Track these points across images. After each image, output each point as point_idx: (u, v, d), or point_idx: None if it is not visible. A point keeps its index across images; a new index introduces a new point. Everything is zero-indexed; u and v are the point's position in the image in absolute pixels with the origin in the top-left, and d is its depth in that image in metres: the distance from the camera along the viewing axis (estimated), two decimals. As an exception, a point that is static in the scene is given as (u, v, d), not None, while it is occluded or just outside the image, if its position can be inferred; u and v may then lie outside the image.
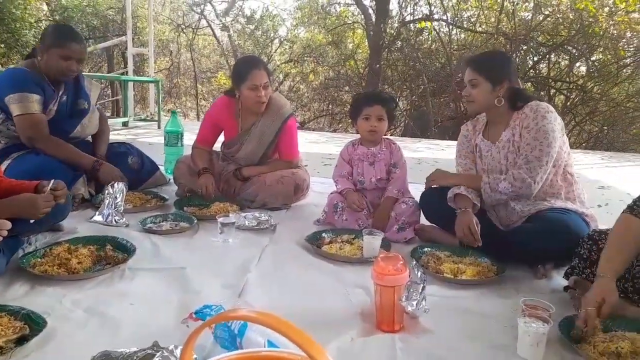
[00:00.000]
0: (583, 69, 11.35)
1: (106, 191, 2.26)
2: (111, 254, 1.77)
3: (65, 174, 2.33)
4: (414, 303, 1.42)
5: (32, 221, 1.72)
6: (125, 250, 1.83)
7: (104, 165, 2.47)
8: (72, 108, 2.57)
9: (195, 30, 16.00)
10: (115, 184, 2.28)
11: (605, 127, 11.55)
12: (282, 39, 16.15)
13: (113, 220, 2.21)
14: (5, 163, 2.31)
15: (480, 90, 2.04)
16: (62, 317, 1.38)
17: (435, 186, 2.26)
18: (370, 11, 12.27)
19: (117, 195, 2.25)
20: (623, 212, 1.52)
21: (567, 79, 11.07)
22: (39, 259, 1.68)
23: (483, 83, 2.03)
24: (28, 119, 2.32)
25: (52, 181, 1.77)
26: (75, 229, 2.09)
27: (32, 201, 1.67)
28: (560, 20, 10.23)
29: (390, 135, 2.55)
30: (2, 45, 9.59)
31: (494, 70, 2.04)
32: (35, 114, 2.33)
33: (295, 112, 14.96)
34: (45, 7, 11.56)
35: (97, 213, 2.25)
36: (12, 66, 2.51)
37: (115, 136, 5.06)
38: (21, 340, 1.22)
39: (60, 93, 2.48)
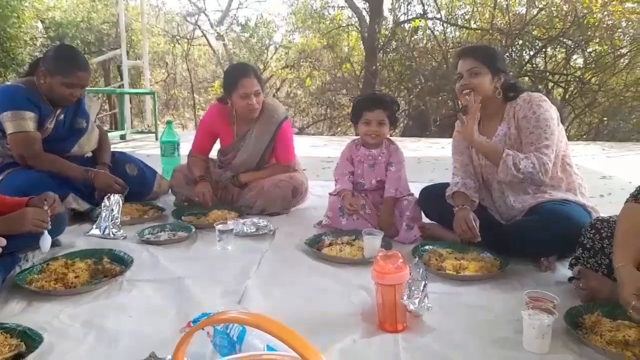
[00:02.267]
0: (580, 60, 11.31)
1: (102, 204, 2.24)
2: (108, 266, 1.75)
3: (55, 190, 2.31)
4: (416, 301, 1.40)
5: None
6: (122, 262, 1.81)
7: (98, 173, 2.45)
8: (70, 126, 2.54)
9: (190, 40, 16.04)
10: (112, 196, 2.26)
11: (605, 118, 11.51)
12: (277, 45, 16.17)
13: (110, 233, 2.19)
14: (-3, 178, 2.29)
15: (482, 78, 2.00)
16: (59, 332, 1.35)
17: (435, 182, 2.22)
18: (364, 13, 12.29)
19: (114, 208, 2.23)
20: (627, 200, 1.49)
21: (565, 72, 11.03)
22: (36, 275, 1.66)
23: (484, 72, 2.00)
24: (21, 137, 2.30)
25: (43, 195, 1.76)
26: (72, 244, 2.07)
27: (21, 214, 1.65)
28: (555, 13, 10.22)
29: (390, 136, 2.51)
30: (-2, 65, 9.63)
31: (494, 61, 2.03)
32: (29, 132, 2.31)
33: (294, 118, 14.97)
34: (39, 25, 11.60)
35: (94, 226, 2.23)
36: (8, 83, 2.47)
37: (112, 149, 5.04)
38: (18, 358, 1.20)
39: (59, 112, 2.45)
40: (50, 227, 1.73)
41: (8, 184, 2.22)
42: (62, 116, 2.48)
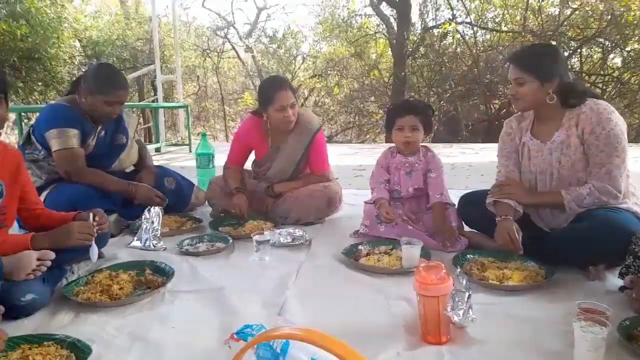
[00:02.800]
0: (618, 60, 10.94)
1: (143, 216, 2.30)
2: (150, 277, 1.79)
3: (102, 203, 2.38)
4: (460, 313, 1.37)
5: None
6: (164, 273, 1.85)
7: (139, 186, 2.51)
8: (110, 143, 2.61)
9: (220, 53, 16.38)
10: (152, 209, 2.31)
11: (647, 118, 11.07)
12: (305, 55, 16.32)
13: (151, 245, 2.23)
14: (44, 194, 2.37)
15: (528, 88, 1.91)
16: (107, 343, 1.39)
17: (474, 189, 2.16)
18: (392, 20, 12.27)
19: (154, 220, 2.28)
20: None
21: (602, 72, 10.69)
22: (82, 287, 1.71)
23: (530, 81, 1.90)
24: (66, 154, 2.37)
25: (91, 212, 1.82)
26: (115, 255, 2.12)
27: (67, 228, 1.71)
28: (590, 13, 9.92)
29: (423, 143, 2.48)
30: (40, 84, 10.06)
31: (542, 67, 1.90)
32: (74, 149, 2.38)
33: (322, 126, 15.01)
34: (77, 44, 12.08)
35: (135, 238, 2.29)
36: (52, 102, 2.58)
37: (149, 162, 5.18)
38: (68, 369, 1.24)
39: (99, 128, 2.52)
40: (95, 238, 1.79)
41: (53, 199, 2.30)
42: (103, 133, 2.55)
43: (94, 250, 1.80)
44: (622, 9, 9.19)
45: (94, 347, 1.32)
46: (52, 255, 1.60)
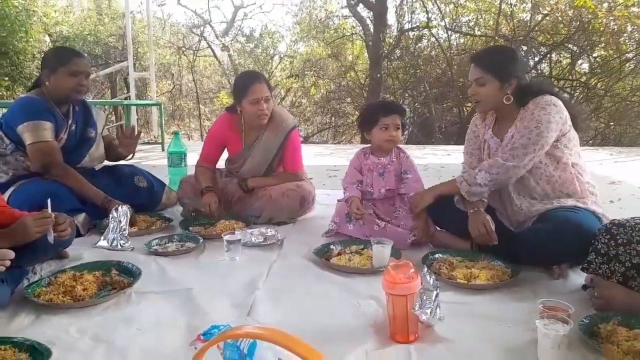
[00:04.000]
0: (585, 66, 11.29)
1: (110, 215, 2.24)
2: (117, 278, 1.74)
3: (70, 201, 2.32)
4: (428, 311, 1.37)
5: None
6: (131, 274, 1.80)
7: (113, 202, 2.41)
8: (81, 136, 2.57)
9: (195, 52, 16.19)
10: (120, 208, 2.26)
11: (612, 123, 11.44)
12: (282, 55, 16.29)
13: (118, 245, 2.18)
14: (9, 191, 2.29)
15: (488, 88, 1.98)
16: (68, 346, 1.34)
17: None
18: (368, 22, 12.35)
19: (122, 219, 2.23)
20: None
21: (570, 77, 11.01)
22: (44, 288, 1.65)
23: (491, 81, 1.97)
24: (42, 147, 2.31)
25: (49, 201, 1.75)
26: (80, 256, 2.06)
27: (23, 223, 1.63)
28: (560, 19, 10.20)
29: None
30: (6, 79, 9.74)
31: (502, 68, 1.97)
32: (50, 142, 2.33)
33: (299, 127, 15.00)
34: (47, 39, 11.75)
35: (102, 238, 2.23)
36: (22, 95, 2.51)
37: (120, 162, 5.07)
38: (26, 373, 1.19)
39: (70, 122, 2.48)
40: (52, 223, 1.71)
41: (18, 197, 2.22)
42: (73, 126, 2.51)
43: (51, 234, 1.72)
44: (589, 17, 9.48)
45: (54, 350, 1.28)
46: (12, 254, 1.54)
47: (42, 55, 2.57)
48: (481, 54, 2.11)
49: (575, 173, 1.98)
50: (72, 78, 2.35)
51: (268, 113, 2.62)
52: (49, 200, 1.74)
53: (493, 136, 2.11)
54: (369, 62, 12.48)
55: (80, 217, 2.37)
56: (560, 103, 1.94)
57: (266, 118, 2.64)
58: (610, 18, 9.29)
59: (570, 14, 9.89)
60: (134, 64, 8.56)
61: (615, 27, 9.49)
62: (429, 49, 12.08)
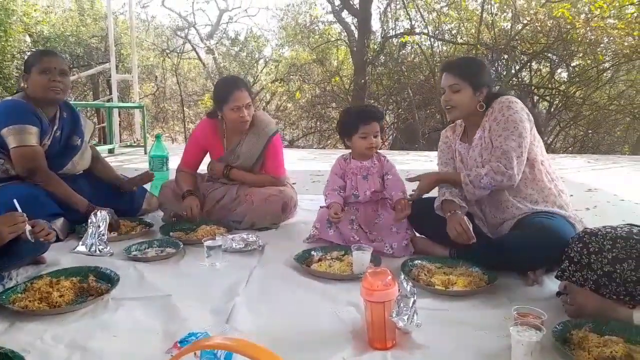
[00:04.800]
0: (564, 74, 11.54)
1: (89, 220, 2.22)
2: (94, 284, 1.72)
3: (50, 206, 2.29)
4: (405, 318, 1.39)
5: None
6: (109, 280, 1.79)
7: (96, 209, 2.38)
8: (65, 143, 2.53)
9: (180, 54, 16.08)
10: (99, 212, 2.24)
11: (590, 131, 11.71)
12: (267, 59, 16.28)
13: (97, 250, 2.16)
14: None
15: (463, 95, 2.04)
16: (43, 354, 1.32)
17: (425, 196, 2.24)
18: (353, 28, 12.43)
19: (100, 224, 2.20)
20: None
21: (550, 86, 11.24)
22: (20, 294, 1.63)
23: (465, 88, 2.03)
24: (27, 151, 2.28)
25: (15, 202, 1.72)
26: (57, 261, 2.04)
27: None
28: (539, 29, 10.41)
29: (379, 149, 2.54)
30: (-15, 79, 9.55)
31: (475, 75, 2.05)
32: (34, 146, 2.30)
33: (284, 131, 15.01)
34: (28, 39, 11.54)
35: (80, 243, 2.20)
36: (8, 98, 2.47)
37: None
38: (-2, 381, 1.17)
39: (55, 128, 2.45)
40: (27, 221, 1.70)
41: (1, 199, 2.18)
42: (58, 132, 2.48)
43: (28, 230, 1.70)
44: (568, 27, 9.70)
45: (28, 358, 1.26)
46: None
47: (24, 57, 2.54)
48: (453, 62, 2.16)
49: (544, 171, 2.05)
50: (44, 76, 2.32)
51: (249, 119, 2.64)
52: (15, 201, 1.72)
53: (462, 143, 2.20)
54: (353, 68, 12.55)
55: (59, 222, 2.33)
56: (520, 101, 2.03)
57: (247, 124, 2.66)
58: (588, 29, 9.52)
59: (549, 24, 10.10)
60: (117, 66, 8.48)
61: (593, 37, 9.72)
62: (412, 56, 12.20)
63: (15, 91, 2.54)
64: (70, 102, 2.73)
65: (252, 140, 2.72)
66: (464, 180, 2.02)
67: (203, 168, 2.94)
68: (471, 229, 1.94)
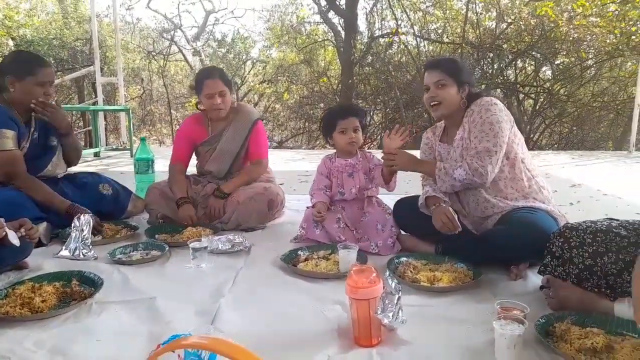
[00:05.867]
0: (549, 72, 11.67)
1: (73, 224, 2.19)
2: (77, 289, 1.70)
3: (32, 210, 2.26)
4: (390, 315, 1.40)
5: None
6: (92, 284, 1.77)
7: (78, 208, 2.38)
8: (43, 145, 2.52)
9: (166, 56, 15.95)
10: (82, 216, 2.21)
11: (575, 127, 11.86)
12: (254, 61, 16.23)
13: (81, 254, 2.13)
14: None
15: (448, 91, 2.06)
16: (23, 359, 1.31)
17: (408, 195, 2.26)
18: (340, 28, 12.45)
19: (84, 228, 2.18)
20: None
21: (534, 83, 11.36)
22: (1, 300, 1.60)
23: (451, 84, 2.06)
24: (4, 156, 2.27)
25: (19, 221, 1.72)
26: (40, 266, 2.01)
27: None
28: (523, 27, 10.52)
29: (367, 149, 2.57)
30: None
31: (458, 73, 2.08)
32: (12, 150, 2.29)
33: (272, 132, 14.99)
34: (10, 42, 11.38)
35: (64, 248, 2.17)
36: None
37: (85, 167, 4.95)
38: (-22, 388, 1.16)
39: (32, 130, 2.43)
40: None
41: None
42: (35, 134, 2.46)
43: (12, 235, 1.69)
44: (551, 25, 9.82)
45: (8, 365, 1.24)
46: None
47: (2, 60, 2.49)
48: (436, 60, 2.19)
49: (523, 169, 2.07)
50: (40, 88, 2.35)
51: (224, 107, 2.71)
52: (21, 225, 1.71)
53: (441, 144, 2.22)
54: (341, 68, 12.57)
55: (42, 227, 2.30)
56: (500, 102, 2.05)
57: (222, 112, 2.73)
58: (571, 27, 9.65)
59: (533, 23, 10.22)
60: (102, 69, 8.39)
61: (576, 35, 9.86)
62: (399, 56, 12.25)
63: None
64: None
65: (238, 126, 2.82)
66: (438, 166, 2.05)
67: (192, 170, 2.94)
68: (456, 217, 1.97)
